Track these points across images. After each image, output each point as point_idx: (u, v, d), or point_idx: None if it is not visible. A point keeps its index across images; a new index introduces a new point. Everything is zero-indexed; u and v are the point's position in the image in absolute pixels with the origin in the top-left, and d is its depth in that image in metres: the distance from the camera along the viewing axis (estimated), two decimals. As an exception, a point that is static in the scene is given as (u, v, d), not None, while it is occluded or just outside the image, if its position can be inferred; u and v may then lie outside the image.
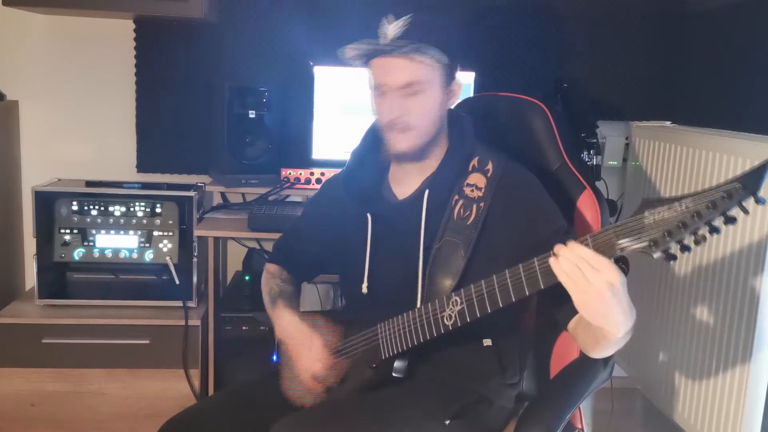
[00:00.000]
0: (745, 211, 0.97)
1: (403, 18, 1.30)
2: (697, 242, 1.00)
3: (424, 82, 1.32)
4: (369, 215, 1.43)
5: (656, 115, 2.56)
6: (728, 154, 1.93)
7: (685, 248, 1.01)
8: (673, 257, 1.02)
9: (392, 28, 1.29)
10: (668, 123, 2.48)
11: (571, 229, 1.34)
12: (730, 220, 0.98)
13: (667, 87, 2.60)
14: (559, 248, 1.09)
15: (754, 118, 2.10)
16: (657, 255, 1.02)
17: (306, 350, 1.40)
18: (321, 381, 1.39)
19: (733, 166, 1.91)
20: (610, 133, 2.60)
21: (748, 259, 1.82)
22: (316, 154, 2.38)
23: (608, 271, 1.05)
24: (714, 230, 0.99)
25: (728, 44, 2.31)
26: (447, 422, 1.31)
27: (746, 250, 1.83)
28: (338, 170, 1.56)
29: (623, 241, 1.04)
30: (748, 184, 0.96)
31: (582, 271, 1.05)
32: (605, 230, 1.07)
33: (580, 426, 1.46)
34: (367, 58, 1.34)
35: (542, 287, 1.14)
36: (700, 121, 2.32)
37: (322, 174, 2.28)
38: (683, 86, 2.55)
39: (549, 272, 1.11)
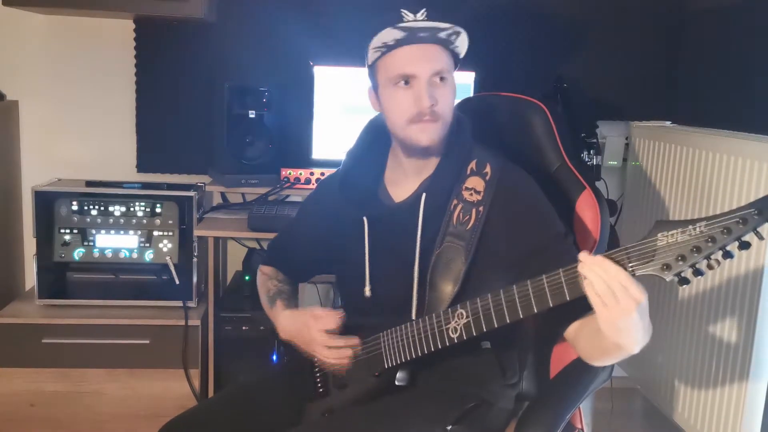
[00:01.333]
0: (760, 237, 0.97)
1: (422, 10, 1.29)
2: (710, 267, 0.99)
3: (448, 70, 1.32)
4: (365, 219, 1.42)
5: (656, 115, 2.56)
6: (728, 154, 1.93)
7: (697, 272, 1.00)
8: (686, 281, 1.01)
9: (419, 18, 1.28)
10: (668, 123, 2.49)
11: (570, 232, 1.33)
12: (744, 246, 0.97)
13: (667, 87, 2.60)
14: (585, 257, 1.06)
15: (754, 118, 2.09)
16: (669, 279, 1.01)
17: (310, 323, 1.37)
18: (342, 341, 1.36)
19: (733, 166, 1.91)
20: (610, 133, 2.60)
21: (748, 259, 1.82)
22: (316, 154, 2.38)
23: (634, 290, 1.03)
24: (728, 255, 0.98)
25: (728, 44, 2.31)
26: (449, 428, 1.30)
27: (747, 251, 1.82)
28: (336, 170, 1.55)
29: (636, 263, 1.03)
30: (763, 209, 0.95)
31: (611, 288, 1.03)
32: (618, 251, 1.05)
33: (580, 426, 1.46)
34: (390, 48, 1.30)
35: (551, 305, 1.12)
36: (700, 121, 2.32)
37: (322, 174, 2.28)
38: (683, 86, 2.55)
39: (558, 291, 1.10)
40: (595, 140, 2.39)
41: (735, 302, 1.87)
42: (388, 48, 1.30)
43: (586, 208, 1.43)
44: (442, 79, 1.31)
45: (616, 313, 1.04)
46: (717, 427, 1.94)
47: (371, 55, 1.32)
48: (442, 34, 1.30)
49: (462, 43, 1.33)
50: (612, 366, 1.40)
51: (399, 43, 1.29)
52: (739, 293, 1.85)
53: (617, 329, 1.06)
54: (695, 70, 2.50)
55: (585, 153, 2.36)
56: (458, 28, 1.30)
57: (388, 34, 1.27)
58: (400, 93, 1.31)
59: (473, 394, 1.39)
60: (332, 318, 1.35)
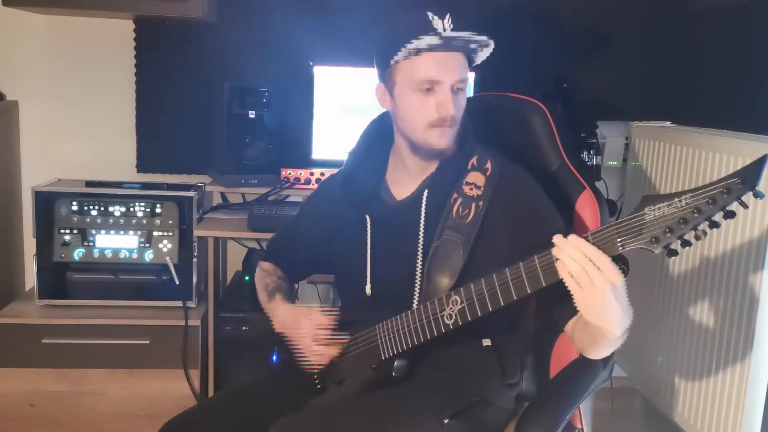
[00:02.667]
0: (745, 206, 0.98)
1: (447, 15, 1.30)
2: (697, 237, 1.01)
3: (467, 79, 1.35)
4: (368, 217, 1.43)
5: (656, 115, 2.56)
6: (728, 154, 1.93)
7: (685, 243, 1.02)
8: (674, 253, 1.03)
9: (446, 24, 1.29)
10: (668, 123, 2.48)
11: (570, 230, 1.34)
12: (730, 215, 0.99)
13: (667, 87, 2.60)
14: (559, 240, 1.09)
15: (754, 118, 2.09)
16: (658, 251, 1.03)
17: (305, 320, 1.39)
18: (330, 342, 1.38)
19: (733, 166, 1.91)
20: (609, 133, 2.60)
21: (747, 257, 1.82)
22: (316, 154, 2.38)
23: (610, 271, 1.06)
24: (714, 225, 1.00)
25: (728, 44, 2.31)
26: (445, 421, 1.31)
27: (746, 247, 1.83)
28: (334, 172, 1.56)
29: (624, 238, 1.05)
30: (746, 178, 0.97)
31: (585, 270, 1.06)
32: (606, 228, 1.07)
33: (579, 426, 1.46)
34: (419, 52, 1.30)
35: (544, 285, 1.14)
36: (700, 121, 2.32)
37: (322, 174, 2.28)
38: (683, 86, 2.55)
39: (550, 270, 1.12)
40: (595, 140, 2.39)
41: (735, 303, 1.87)
42: (418, 51, 1.30)
43: (586, 208, 1.44)
44: (461, 86, 1.33)
45: (591, 295, 1.07)
46: (717, 427, 1.93)
47: (399, 56, 1.31)
48: (473, 45, 1.32)
49: (484, 55, 1.36)
50: (612, 366, 1.40)
51: (430, 49, 1.29)
52: (739, 294, 1.85)
53: (594, 312, 1.09)
54: (695, 70, 2.50)
55: (585, 153, 2.36)
56: (490, 41, 1.31)
57: (426, 41, 1.27)
58: (423, 97, 1.32)
59: (473, 391, 1.39)
60: (327, 317, 1.37)
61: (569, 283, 1.09)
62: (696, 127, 2.30)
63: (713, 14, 2.40)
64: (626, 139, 2.59)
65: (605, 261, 1.06)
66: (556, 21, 2.55)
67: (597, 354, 1.26)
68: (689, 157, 2.13)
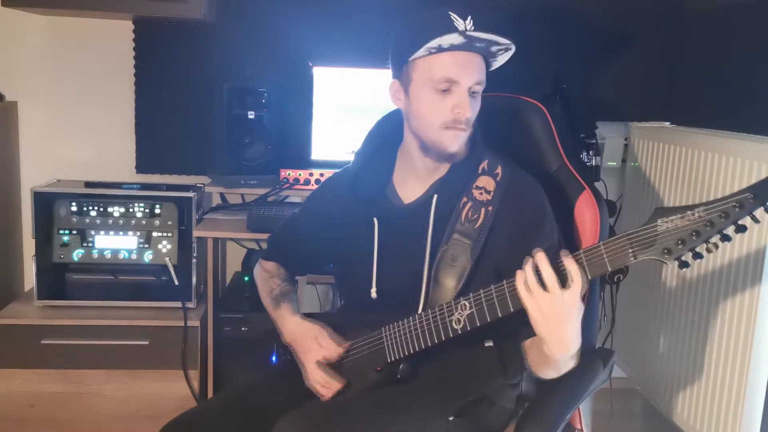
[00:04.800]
0: (756, 221, 1.00)
1: (468, 17, 1.30)
2: (708, 250, 1.03)
3: (483, 82, 1.34)
4: (376, 219, 1.42)
5: (655, 116, 2.56)
6: (727, 155, 1.93)
7: (697, 256, 1.04)
8: (686, 264, 1.05)
9: (468, 25, 1.29)
10: (667, 124, 2.48)
11: (561, 247, 1.34)
12: (741, 229, 1.01)
13: (667, 87, 2.60)
14: (527, 260, 1.15)
15: (754, 118, 2.09)
16: (670, 262, 1.05)
17: (314, 343, 1.41)
18: (335, 369, 1.39)
19: (732, 167, 1.91)
20: (609, 133, 2.60)
21: (747, 258, 1.82)
22: (316, 154, 2.38)
23: (560, 295, 1.12)
24: (725, 238, 1.02)
25: (728, 44, 2.31)
26: (450, 419, 1.31)
27: (746, 250, 1.82)
28: (337, 171, 1.55)
29: (637, 248, 1.06)
30: (759, 194, 0.99)
31: (539, 286, 1.13)
32: (619, 237, 1.08)
33: (579, 426, 1.46)
34: (440, 50, 1.29)
35: None
36: (700, 122, 2.32)
37: (322, 175, 2.28)
38: (683, 86, 2.55)
39: (562, 278, 1.14)
40: (594, 141, 2.39)
41: (734, 303, 1.87)
42: (439, 50, 1.29)
43: (586, 209, 1.44)
44: (478, 89, 1.33)
45: (542, 311, 1.14)
46: (716, 427, 1.93)
47: (420, 53, 1.30)
48: (494, 48, 1.31)
49: (502, 60, 1.36)
50: (611, 367, 1.40)
51: (452, 48, 1.29)
52: (738, 294, 1.85)
53: (541, 325, 1.15)
54: (695, 71, 2.50)
55: (584, 154, 2.36)
56: (512, 45, 1.31)
57: (450, 39, 1.27)
58: (439, 97, 1.31)
59: (475, 390, 1.39)
60: (334, 353, 1.39)
61: (522, 291, 1.15)
62: (695, 127, 2.30)
63: (713, 14, 2.40)
64: (625, 139, 2.59)
65: (555, 283, 1.13)
66: (555, 21, 2.55)
67: (547, 374, 1.30)
68: (688, 158, 2.13)
